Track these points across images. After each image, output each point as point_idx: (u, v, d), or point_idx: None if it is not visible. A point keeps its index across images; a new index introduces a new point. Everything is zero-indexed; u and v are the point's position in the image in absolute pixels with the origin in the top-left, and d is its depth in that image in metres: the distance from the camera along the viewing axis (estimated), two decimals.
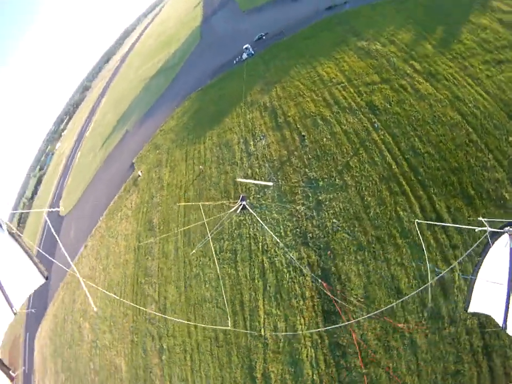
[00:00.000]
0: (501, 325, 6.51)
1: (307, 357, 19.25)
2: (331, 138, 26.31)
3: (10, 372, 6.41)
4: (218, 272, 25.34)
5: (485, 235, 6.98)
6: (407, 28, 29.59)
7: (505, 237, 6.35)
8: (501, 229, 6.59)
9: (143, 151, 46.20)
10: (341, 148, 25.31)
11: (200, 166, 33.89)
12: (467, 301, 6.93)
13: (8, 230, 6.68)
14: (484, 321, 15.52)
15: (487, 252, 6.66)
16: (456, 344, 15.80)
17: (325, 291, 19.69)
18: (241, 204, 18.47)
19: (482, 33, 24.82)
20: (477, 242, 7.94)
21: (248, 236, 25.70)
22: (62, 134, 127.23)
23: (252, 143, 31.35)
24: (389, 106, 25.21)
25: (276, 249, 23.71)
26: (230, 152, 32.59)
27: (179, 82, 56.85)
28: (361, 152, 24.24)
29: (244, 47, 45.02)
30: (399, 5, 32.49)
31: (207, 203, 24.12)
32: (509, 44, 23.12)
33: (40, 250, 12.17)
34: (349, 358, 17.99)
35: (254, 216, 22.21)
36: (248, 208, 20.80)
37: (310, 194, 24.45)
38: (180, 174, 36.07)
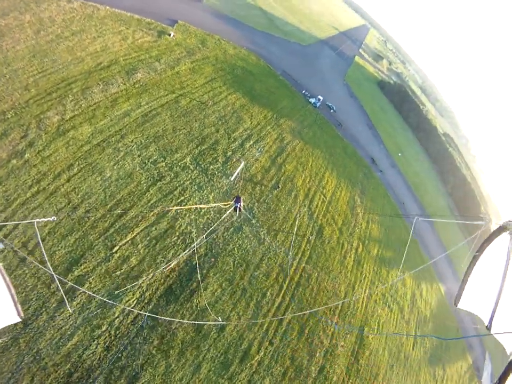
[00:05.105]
0: (486, 324, 6.45)
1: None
2: (282, 213, 30.98)
3: None
4: (133, 173, 24.69)
5: (482, 229, 7.74)
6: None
7: (504, 235, 6.48)
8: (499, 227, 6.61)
9: (191, 28, 43.30)
10: (285, 223, 30.26)
11: (209, 100, 34.56)
12: (457, 296, 6.99)
13: None
14: None
15: (484, 248, 6.68)
16: None
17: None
18: (235, 206, 17.17)
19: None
20: (474, 235, 8.75)
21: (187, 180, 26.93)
22: None
23: (250, 144, 34.03)
24: (321, 248, 32.11)
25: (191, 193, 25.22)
26: (236, 124, 34.71)
27: (273, 39, 62.53)
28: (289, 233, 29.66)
29: (318, 96, 49.28)
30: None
31: (200, 206, 22.79)
32: None
33: None
34: None
35: (245, 214, 21.91)
36: (243, 211, 19.91)
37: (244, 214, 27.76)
38: (191, 82, 35.40)
